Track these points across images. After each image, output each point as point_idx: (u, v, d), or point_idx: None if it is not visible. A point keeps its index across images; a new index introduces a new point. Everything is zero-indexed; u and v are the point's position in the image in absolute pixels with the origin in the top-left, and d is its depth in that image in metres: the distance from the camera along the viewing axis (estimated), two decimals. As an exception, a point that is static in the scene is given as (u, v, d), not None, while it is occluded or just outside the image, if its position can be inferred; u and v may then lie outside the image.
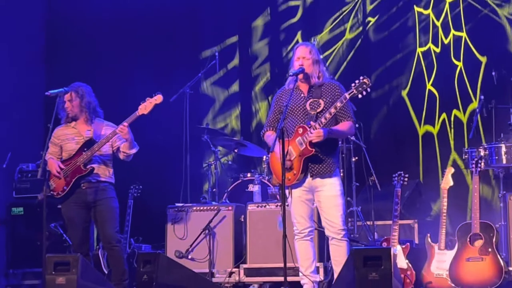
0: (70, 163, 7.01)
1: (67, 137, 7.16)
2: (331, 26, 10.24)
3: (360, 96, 6.38)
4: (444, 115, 9.65)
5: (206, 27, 10.59)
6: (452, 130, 9.56)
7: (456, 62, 9.62)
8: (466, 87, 9.48)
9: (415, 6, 9.92)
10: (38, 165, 7.71)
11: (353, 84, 6.36)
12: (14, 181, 8.86)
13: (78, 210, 7.05)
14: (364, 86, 6.32)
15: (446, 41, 9.72)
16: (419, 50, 9.85)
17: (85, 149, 6.99)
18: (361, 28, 10.13)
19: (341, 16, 10.21)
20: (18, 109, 9.89)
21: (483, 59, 9.30)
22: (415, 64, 9.82)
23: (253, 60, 10.56)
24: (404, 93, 9.88)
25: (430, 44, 9.80)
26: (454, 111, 9.56)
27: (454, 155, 9.43)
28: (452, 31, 9.69)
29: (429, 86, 9.73)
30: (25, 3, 10.32)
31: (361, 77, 6.37)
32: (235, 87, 10.58)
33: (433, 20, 9.82)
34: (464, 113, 9.48)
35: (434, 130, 9.71)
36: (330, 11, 10.26)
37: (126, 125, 6.92)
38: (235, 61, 10.58)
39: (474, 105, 9.07)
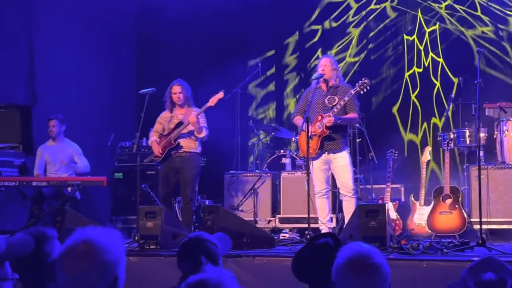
0: (166, 138, 7.18)
1: (167, 119, 7.29)
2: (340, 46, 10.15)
3: (362, 92, 6.52)
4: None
5: (252, 44, 10.48)
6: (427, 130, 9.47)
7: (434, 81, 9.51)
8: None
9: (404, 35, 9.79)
10: (133, 143, 7.80)
11: (357, 84, 6.46)
12: (116, 154, 8.96)
13: (169, 172, 7.21)
14: (365, 84, 6.42)
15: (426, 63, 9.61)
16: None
17: (177, 128, 7.15)
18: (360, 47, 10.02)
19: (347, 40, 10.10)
20: (118, 103, 9.97)
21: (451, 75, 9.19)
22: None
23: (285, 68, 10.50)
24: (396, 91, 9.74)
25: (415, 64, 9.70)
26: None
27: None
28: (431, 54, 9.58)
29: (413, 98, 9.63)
30: (119, 20, 10.33)
31: (363, 78, 6.45)
32: (271, 88, 10.51)
33: (417, 45, 9.67)
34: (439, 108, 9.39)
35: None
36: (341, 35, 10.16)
37: (193, 117, 7.02)
38: (272, 70, 10.49)
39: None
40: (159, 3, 10.04)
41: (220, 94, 7.12)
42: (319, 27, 10.24)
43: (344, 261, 2.25)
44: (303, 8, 10.24)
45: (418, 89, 9.53)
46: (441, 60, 9.42)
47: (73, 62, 9.31)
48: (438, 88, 9.40)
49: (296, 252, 3.19)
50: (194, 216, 7.29)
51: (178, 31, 10.30)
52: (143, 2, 10.42)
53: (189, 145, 7.19)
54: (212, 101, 7.09)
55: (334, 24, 10.12)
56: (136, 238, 6.22)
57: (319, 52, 9.95)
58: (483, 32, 9.25)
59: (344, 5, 10.05)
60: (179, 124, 7.16)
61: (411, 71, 9.60)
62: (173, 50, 10.37)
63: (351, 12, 10.01)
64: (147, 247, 5.96)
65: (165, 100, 7.32)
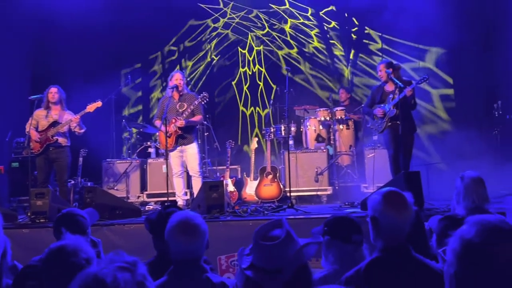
0: (43, 134, 6.70)
1: (41, 117, 6.81)
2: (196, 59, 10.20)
3: (203, 103, 6.53)
4: (252, 108, 9.87)
5: (125, 57, 10.18)
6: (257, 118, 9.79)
7: (259, 82, 9.85)
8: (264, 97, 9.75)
9: (239, 48, 10.01)
10: (26, 138, 7.34)
11: (199, 96, 6.53)
12: (13, 148, 8.41)
13: (46, 163, 6.76)
14: (205, 97, 6.52)
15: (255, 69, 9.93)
16: (241, 70, 9.98)
17: (53, 127, 6.70)
18: (209, 60, 10.13)
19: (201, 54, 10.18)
20: (15, 106, 9.26)
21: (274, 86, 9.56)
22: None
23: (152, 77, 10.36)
24: (232, 94, 9.93)
25: (246, 69, 9.97)
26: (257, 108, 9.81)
27: (257, 130, 9.69)
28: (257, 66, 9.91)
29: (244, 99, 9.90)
30: (16, 34, 9.46)
31: (204, 93, 6.54)
32: (139, 93, 10.33)
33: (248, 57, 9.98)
34: (263, 109, 9.73)
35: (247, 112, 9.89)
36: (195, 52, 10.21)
37: (78, 117, 6.70)
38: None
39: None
40: (52, 16, 9.36)
41: (99, 103, 6.80)
42: (176, 48, 10.24)
43: (172, 223, 2.33)
44: (168, 30, 10.10)
45: (250, 97, 9.84)
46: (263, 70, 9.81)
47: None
48: (261, 89, 9.77)
49: (146, 217, 3.16)
50: (77, 195, 7.00)
51: (68, 43, 9.65)
52: (38, 13, 9.58)
53: (63, 140, 6.79)
54: (91, 108, 6.77)
55: (190, 44, 10.14)
56: (28, 214, 5.95)
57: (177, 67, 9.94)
58: (290, 53, 9.76)
59: (201, 28, 10.11)
60: (55, 123, 6.73)
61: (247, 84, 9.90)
62: (63, 59, 9.69)
63: (207, 32, 10.11)
64: (38, 221, 5.72)
65: (43, 100, 6.84)
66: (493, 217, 1.39)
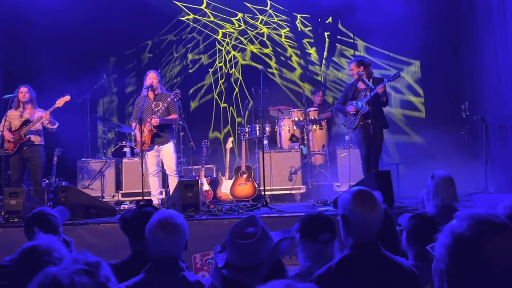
0: (16, 134, 6.60)
1: (14, 117, 6.71)
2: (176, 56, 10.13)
3: (176, 99, 6.51)
4: (226, 105, 9.85)
5: (102, 58, 10.03)
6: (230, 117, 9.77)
7: (234, 86, 9.84)
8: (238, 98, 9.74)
9: (217, 45, 9.97)
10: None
11: (172, 93, 6.47)
12: (-15, 148, 8.20)
13: (19, 162, 6.66)
14: (177, 94, 6.48)
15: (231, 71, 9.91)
16: (218, 64, 9.95)
17: (24, 126, 6.60)
18: (185, 63, 10.08)
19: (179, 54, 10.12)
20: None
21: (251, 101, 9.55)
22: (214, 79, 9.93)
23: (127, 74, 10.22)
24: (209, 97, 9.89)
25: (222, 65, 9.94)
26: (231, 109, 9.79)
27: (229, 128, 9.67)
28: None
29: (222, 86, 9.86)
30: None
31: (177, 89, 6.51)
32: (115, 89, 10.17)
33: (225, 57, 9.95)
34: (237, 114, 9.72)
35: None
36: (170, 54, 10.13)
37: (48, 113, 6.59)
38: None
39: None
40: (25, 13, 9.10)
41: (67, 97, 6.67)
42: (151, 42, 10.15)
43: (154, 221, 2.32)
44: (146, 27, 9.99)
45: (225, 92, 9.81)
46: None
47: None
48: (236, 93, 9.74)
49: (120, 215, 3.12)
50: (52, 195, 6.88)
51: (42, 40, 9.40)
52: (10, 10, 9.24)
53: (36, 139, 6.69)
54: (60, 103, 6.65)
55: (168, 37, 10.06)
56: (2, 213, 5.86)
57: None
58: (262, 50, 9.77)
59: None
60: (26, 121, 6.62)
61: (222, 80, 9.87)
62: (36, 57, 9.46)
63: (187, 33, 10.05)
64: (12, 220, 5.65)
65: (13, 100, 6.73)
66: (484, 211, 1.37)
